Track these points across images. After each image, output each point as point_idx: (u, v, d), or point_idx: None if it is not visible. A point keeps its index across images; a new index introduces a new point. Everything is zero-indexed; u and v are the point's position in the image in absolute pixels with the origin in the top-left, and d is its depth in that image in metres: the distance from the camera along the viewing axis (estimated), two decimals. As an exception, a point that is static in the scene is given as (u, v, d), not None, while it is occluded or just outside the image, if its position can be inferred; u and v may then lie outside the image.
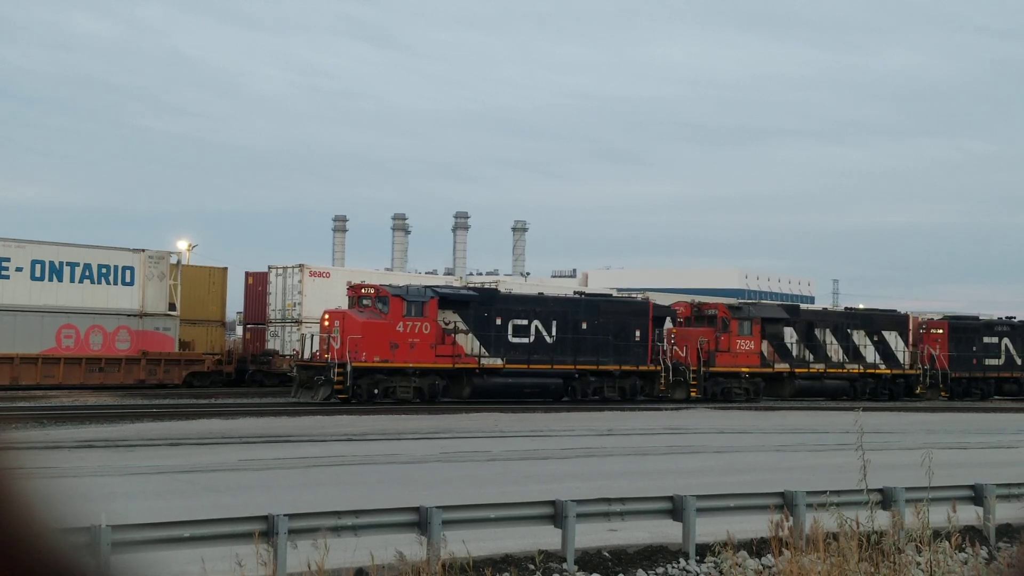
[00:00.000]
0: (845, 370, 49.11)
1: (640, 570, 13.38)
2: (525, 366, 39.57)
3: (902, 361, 51.14)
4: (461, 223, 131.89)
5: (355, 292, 37.83)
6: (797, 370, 47.53)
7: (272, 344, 46.53)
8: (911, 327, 52.61)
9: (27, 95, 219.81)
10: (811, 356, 48.26)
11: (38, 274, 40.05)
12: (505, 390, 39.07)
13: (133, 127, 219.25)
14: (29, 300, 39.19)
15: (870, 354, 50.13)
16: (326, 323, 36.33)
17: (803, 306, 59.95)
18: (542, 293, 44.74)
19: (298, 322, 45.44)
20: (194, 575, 10.63)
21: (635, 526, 14.42)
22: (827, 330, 49.22)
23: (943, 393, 52.14)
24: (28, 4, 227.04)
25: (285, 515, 11.34)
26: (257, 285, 47.72)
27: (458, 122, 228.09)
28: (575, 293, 48.55)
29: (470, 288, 43.38)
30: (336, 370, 35.27)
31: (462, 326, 38.51)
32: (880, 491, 13.99)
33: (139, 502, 15.35)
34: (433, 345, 37.47)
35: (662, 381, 43.15)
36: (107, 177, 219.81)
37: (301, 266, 46.91)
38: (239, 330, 55.55)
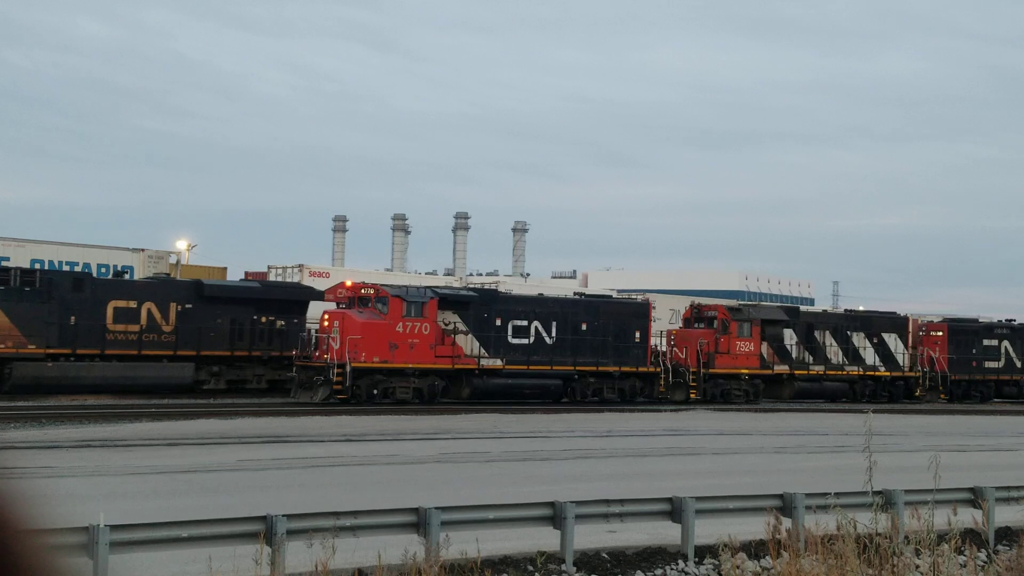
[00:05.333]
0: (845, 372, 49.05)
1: (639, 571, 13.36)
2: (525, 367, 39.51)
3: (902, 363, 51.09)
4: (461, 224, 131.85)
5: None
6: (797, 372, 47.48)
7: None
8: (911, 329, 52.56)
9: (30, 97, 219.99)
10: (811, 358, 48.21)
11: (38, 273, 39.78)
12: (505, 391, 39.02)
13: (135, 128, 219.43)
14: (28, 299, 38.99)
15: (870, 356, 50.06)
16: (326, 323, 36.30)
17: (803, 308, 59.88)
18: (542, 294, 44.73)
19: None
20: (194, 575, 10.62)
21: (634, 527, 14.40)
22: (827, 332, 49.15)
23: (943, 395, 52.08)
24: (33, 8, 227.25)
25: (284, 515, 11.33)
26: (256, 285, 47.59)
27: (458, 124, 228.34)
28: (575, 294, 48.56)
29: (470, 289, 43.35)
30: (335, 370, 35.21)
31: (462, 327, 38.46)
32: (880, 493, 13.97)
33: (137, 502, 15.34)
34: (433, 346, 37.42)
35: (662, 382, 43.13)
36: (108, 177, 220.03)
37: (301, 266, 46.89)
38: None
